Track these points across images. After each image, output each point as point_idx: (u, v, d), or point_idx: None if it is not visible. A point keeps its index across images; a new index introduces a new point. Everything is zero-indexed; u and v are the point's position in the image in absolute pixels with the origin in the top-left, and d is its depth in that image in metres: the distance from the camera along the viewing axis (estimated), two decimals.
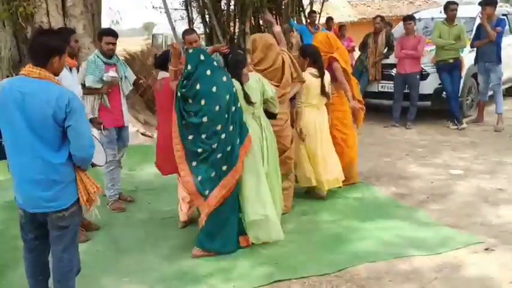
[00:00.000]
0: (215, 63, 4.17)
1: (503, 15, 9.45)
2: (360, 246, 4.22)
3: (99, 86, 4.97)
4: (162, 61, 4.72)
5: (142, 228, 4.82)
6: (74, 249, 3.21)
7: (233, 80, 4.20)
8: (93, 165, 3.49)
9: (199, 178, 4.02)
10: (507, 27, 9.22)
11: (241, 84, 4.24)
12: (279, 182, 4.55)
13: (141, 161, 6.74)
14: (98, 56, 5.02)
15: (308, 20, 10.69)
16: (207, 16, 11.29)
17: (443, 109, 8.58)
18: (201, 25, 11.85)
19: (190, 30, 5.52)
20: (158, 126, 4.86)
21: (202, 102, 3.96)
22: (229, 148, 4.06)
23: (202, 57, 4.03)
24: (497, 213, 4.79)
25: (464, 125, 8.26)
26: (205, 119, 3.96)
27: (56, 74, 3.07)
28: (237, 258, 4.09)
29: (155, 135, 7.76)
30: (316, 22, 10.64)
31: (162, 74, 4.75)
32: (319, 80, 5.09)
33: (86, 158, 3.08)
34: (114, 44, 5.07)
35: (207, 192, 4.03)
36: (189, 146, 4.03)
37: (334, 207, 5.10)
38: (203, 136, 3.99)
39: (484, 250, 4.06)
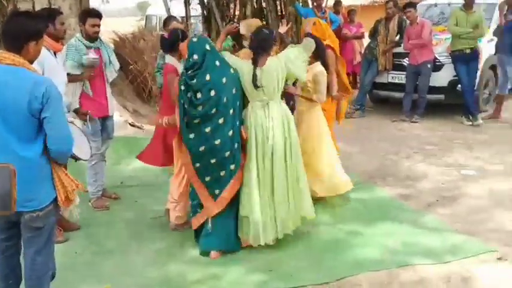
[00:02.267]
0: (220, 54, 4.20)
1: None
2: (362, 253, 4.19)
3: (78, 71, 4.90)
4: (171, 43, 4.57)
5: (127, 229, 4.78)
6: (48, 252, 3.17)
7: (247, 61, 4.19)
8: (77, 159, 3.45)
9: (207, 179, 4.08)
10: None
11: (254, 65, 4.17)
12: (296, 180, 4.32)
13: (128, 154, 6.65)
14: (79, 40, 4.95)
15: (314, 3, 10.59)
16: None
17: (458, 103, 8.51)
18: (199, 6, 11.79)
19: (168, 19, 5.50)
20: (161, 111, 4.80)
21: (212, 93, 3.97)
22: (236, 145, 4.10)
23: (208, 47, 4.03)
24: (511, 219, 4.75)
25: (480, 121, 8.20)
26: (214, 111, 3.98)
27: (31, 60, 3.02)
28: (228, 264, 4.06)
29: (145, 126, 7.75)
30: (323, 5, 10.54)
31: (168, 59, 4.67)
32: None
33: (65, 151, 3.04)
34: (99, 26, 5.01)
35: (217, 192, 4.10)
36: (191, 146, 4.05)
37: (334, 210, 5.04)
38: (207, 130, 3.99)
39: (496, 260, 4.03)
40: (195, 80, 3.96)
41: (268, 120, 4.19)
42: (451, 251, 4.16)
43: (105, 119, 5.23)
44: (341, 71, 5.61)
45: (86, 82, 4.98)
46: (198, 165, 4.08)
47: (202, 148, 4.02)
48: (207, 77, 3.96)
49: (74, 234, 4.63)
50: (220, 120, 4.01)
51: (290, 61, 4.27)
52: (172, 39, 4.58)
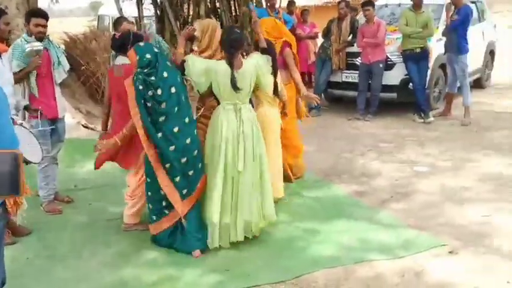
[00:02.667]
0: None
1: (471, 2, 9.68)
2: (318, 250, 4.22)
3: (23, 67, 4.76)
4: (121, 43, 4.50)
5: (80, 233, 4.67)
6: None
7: (221, 61, 4.20)
8: (27, 162, 3.35)
9: (177, 179, 4.06)
10: (475, 15, 9.43)
11: (232, 68, 4.15)
12: (263, 184, 4.34)
13: (82, 156, 6.53)
14: (25, 40, 4.82)
15: (268, 4, 10.62)
16: None
17: (410, 101, 8.70)
18: (151, 6, 11.65)
19: (119, 20, 5.46)
20: (114, 115, 4.68)
21: (173, 90, 4.02)
22: (199, 144, 4.18)
23: (155, 49, 4.13)
24: (461, 213, 4.89)
25: (431, 119, 8.40)
26: (177, 109, 4.03)
27: None
28: (185, 266, 4.02)
29: (99, 128, 7.58)
30: (277, 6, 10.59)
31: (120, 59, 4.58)
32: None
33: None
34: (44, 26, 4.88)
35: (185, 191, 4.10)
36: (160, 146, 4.01)
37: (291, 208, 5.07)
38: (175, 130, 4.01)
39: (447, 253, 4.13)
40: (153, 77, 3.97)
41: (239, 124, 4.19)
42: (404, 246, 4.24)
43: (54, 121, 5.09)
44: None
45: (33, 83, 4.84)
46: (168, 165, 4.06)
47: (172, 148, 4.01)
48: (165, 74, 4.00)
49: (26, 239, 4.48)
50: (186, 120, 4.07)
51: (260, 67, 4.31)
52: (122, 40, 4.51)
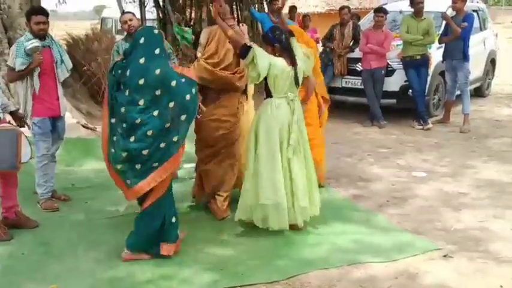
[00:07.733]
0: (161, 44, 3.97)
1: (473, 11, 9.71)
2: (313, 251, 4.23)
3: (25, 66, 4.81)
4: None
5: (76, 230, 4.67)
6: None
7: (278, 57, 4.39)
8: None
9: (118, 167, 3.89)
10: (476, 24, 9.46)
11: (291, 65, 4.38)
12: (309, 173, 4.59)
13: (81, 155, 6.57)
14: (28, 38, 4.86)
15: (270, 8, 10.66)
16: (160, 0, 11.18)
17: (409, 108, 8.72)
18: (154, 9, 11.72)
19: (122, 14, 5.54)
20: None
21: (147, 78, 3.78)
22: (162, 145, 3.86)
23: (155, 32, 3.97)
24: (458, 218, 4.89)
25: (430, 125, 8.41)
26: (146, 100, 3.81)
27: None
28: (180, 264, 4.03)
29: (98, 128, 7.63)
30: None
31: None
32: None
33: None
34: (45, 23, 4.92)
35: (129, 182, 3.90)
36: (110, 129, 3.91)
37: None
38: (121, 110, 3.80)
39: (442, 257, 4.13)
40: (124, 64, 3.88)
41: (292, 115, 4.38)
42: (399, 250, 4.23)
43: (55, 119, 5.13)
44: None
45: (36, 81, 4.88)
46: (113, 150, 3.88)
47: (115, 138, 3.84)
48: (141, 60, 3.78)
49: (22, 236, 4.49)
50: (141, 102, 3.79)
51: (307, 60, 4.67)
52: None
